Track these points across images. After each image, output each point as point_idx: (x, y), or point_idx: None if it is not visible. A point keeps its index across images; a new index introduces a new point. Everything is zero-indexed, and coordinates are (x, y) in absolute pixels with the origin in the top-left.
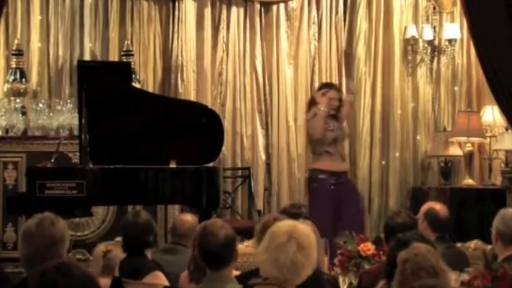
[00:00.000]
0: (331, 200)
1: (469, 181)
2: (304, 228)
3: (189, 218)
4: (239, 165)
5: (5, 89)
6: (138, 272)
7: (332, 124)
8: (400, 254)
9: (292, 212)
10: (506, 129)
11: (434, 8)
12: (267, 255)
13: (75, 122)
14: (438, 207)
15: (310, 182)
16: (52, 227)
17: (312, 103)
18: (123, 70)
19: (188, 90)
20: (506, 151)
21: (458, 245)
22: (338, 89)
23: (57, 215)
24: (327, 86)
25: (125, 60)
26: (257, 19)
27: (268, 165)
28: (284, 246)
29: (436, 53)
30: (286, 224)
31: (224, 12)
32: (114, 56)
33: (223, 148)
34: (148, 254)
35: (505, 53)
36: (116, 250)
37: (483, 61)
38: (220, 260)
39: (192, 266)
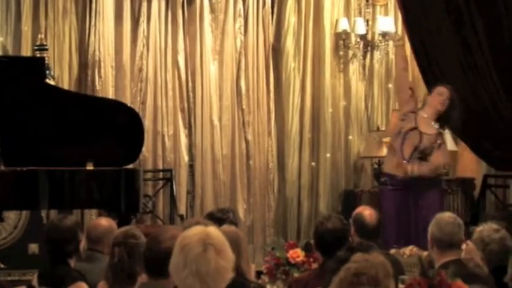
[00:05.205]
0: None
1: None
2: (214, 230)
3: (103, 221)
4: (160, 167)
5: None
6: (61, 282)
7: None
8: (354, 255)
9: (217, 217)
10: (444, 129)
11: (367, 1)
12: (187, 269)
13: None
14: (367, 213)
15: None
16: None
17: None
18: (36, 66)
19: (106, 87)
20: None
21: (392, 251)
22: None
23: None
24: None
25: (38, 55)
26: (179, 12)
27: (191, 167)
28: (203, 256)
29: (369, 48)
30: (194, 232)
31: (144, 4)
32: (26, 51)
33: (144, 149)
34: (71, 262)
35: (442, 47)
36: None
37: (418, 56)
38: (166, 269)
39: (111, 275)
